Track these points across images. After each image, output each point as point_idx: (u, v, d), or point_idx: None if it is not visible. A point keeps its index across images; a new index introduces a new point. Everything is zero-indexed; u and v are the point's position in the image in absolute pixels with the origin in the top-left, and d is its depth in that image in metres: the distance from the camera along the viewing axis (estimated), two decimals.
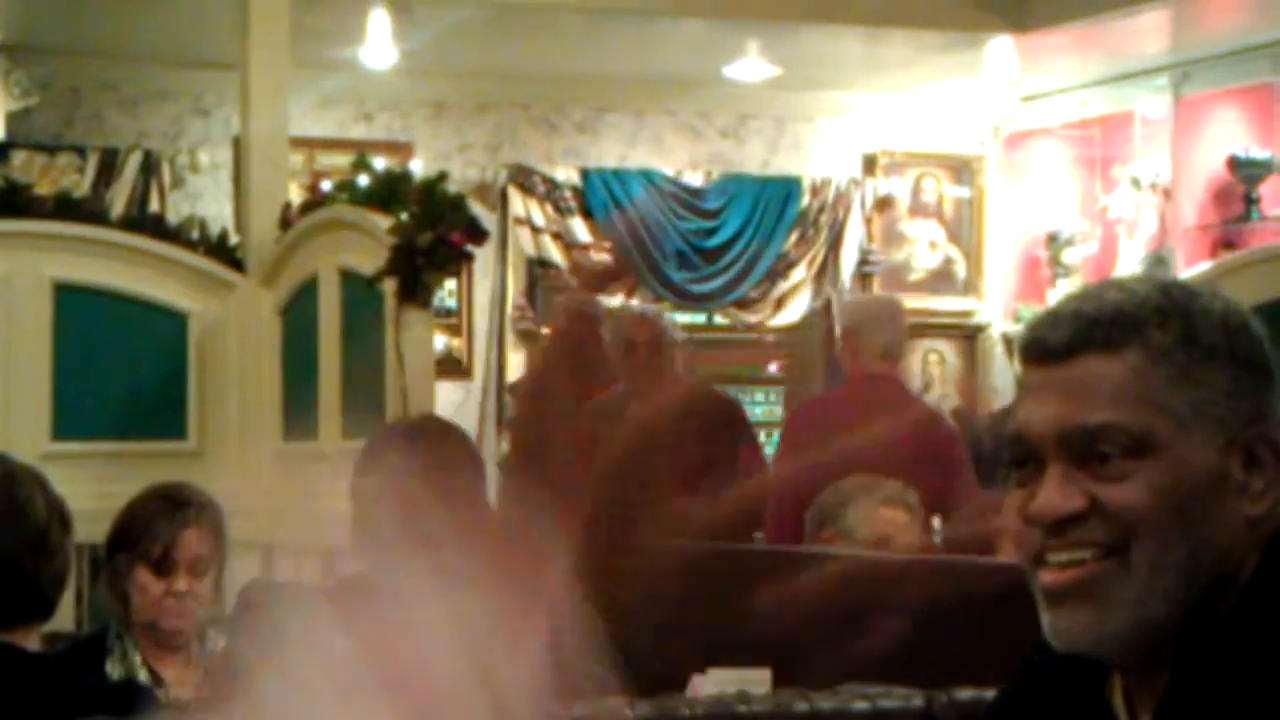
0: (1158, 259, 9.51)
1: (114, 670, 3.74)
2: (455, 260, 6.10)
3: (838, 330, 10.27)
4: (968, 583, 2.70)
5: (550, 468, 1.18)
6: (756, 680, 3.15)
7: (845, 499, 4.03)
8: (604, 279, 5.91)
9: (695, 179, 10.15)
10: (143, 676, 3.72)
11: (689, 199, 10.09)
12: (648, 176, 10.01)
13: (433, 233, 5.88)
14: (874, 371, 5.93)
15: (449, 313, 9.51)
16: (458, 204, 6.05)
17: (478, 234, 6.10)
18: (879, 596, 2.77)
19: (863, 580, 2.89)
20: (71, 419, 6.71)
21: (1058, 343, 1.70)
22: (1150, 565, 1.64)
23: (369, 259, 6.14)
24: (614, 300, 9.29)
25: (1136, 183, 9.72)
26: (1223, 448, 1.66)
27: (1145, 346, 1.67)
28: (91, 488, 6.53)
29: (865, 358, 5.92)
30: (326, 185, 6.90)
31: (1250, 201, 9.15)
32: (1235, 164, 9.20)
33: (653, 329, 6.26)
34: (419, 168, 9.16)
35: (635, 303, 9.23)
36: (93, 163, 8.95)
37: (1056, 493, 1.67)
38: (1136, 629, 1.65)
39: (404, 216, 6.00)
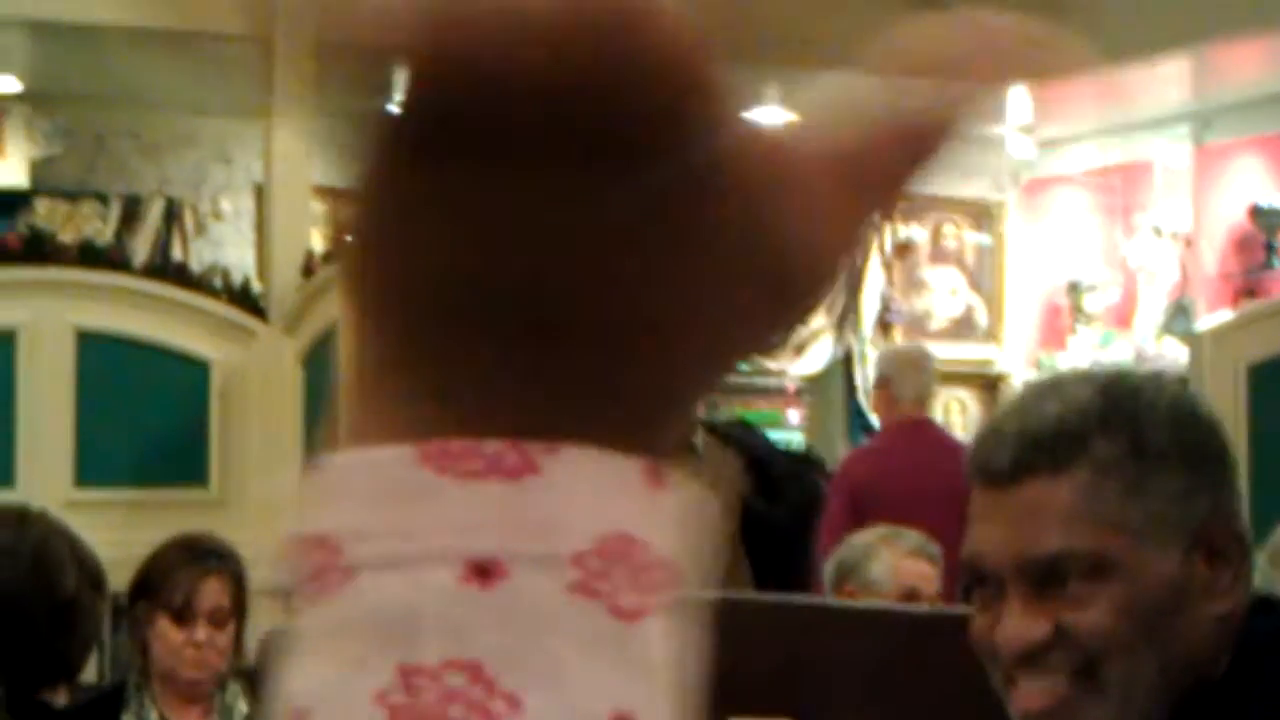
0: (1179, 308, 9.50)
1: None
2: None
3: (860, 380, 10.28)
4: None
5: None
6: None
7: (868, 551, 4.00)
8: None
9: None
10: None
11: None
12: None
13: None
14: (910, 417, 6.39)
15: None
16: None
17: None
18: (904, 651, 2.76)
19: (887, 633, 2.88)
20: (94, 466, 6.72)
21: (1003, 466, 1.65)
22: (1122, 684, 1.60)
23: None
24: None
25: (1158, 231, 9.72)
26: (1184, 552, 1.61)
27: (1092, 461, 1.62)
28: (113, 535, 6.53)
29: (902, 404, 6.40)
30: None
31: (1271, 250, 9.14)
32: (1256, 213, 9.20)
33: None
34: None
35: None
36: (115, 210, 8.98)
37: (1020, 622, 1.63)
38: None
39: None
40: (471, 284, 0.50)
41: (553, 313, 0.50)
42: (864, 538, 4.09)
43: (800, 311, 0.53)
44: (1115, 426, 1.63)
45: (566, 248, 0.50)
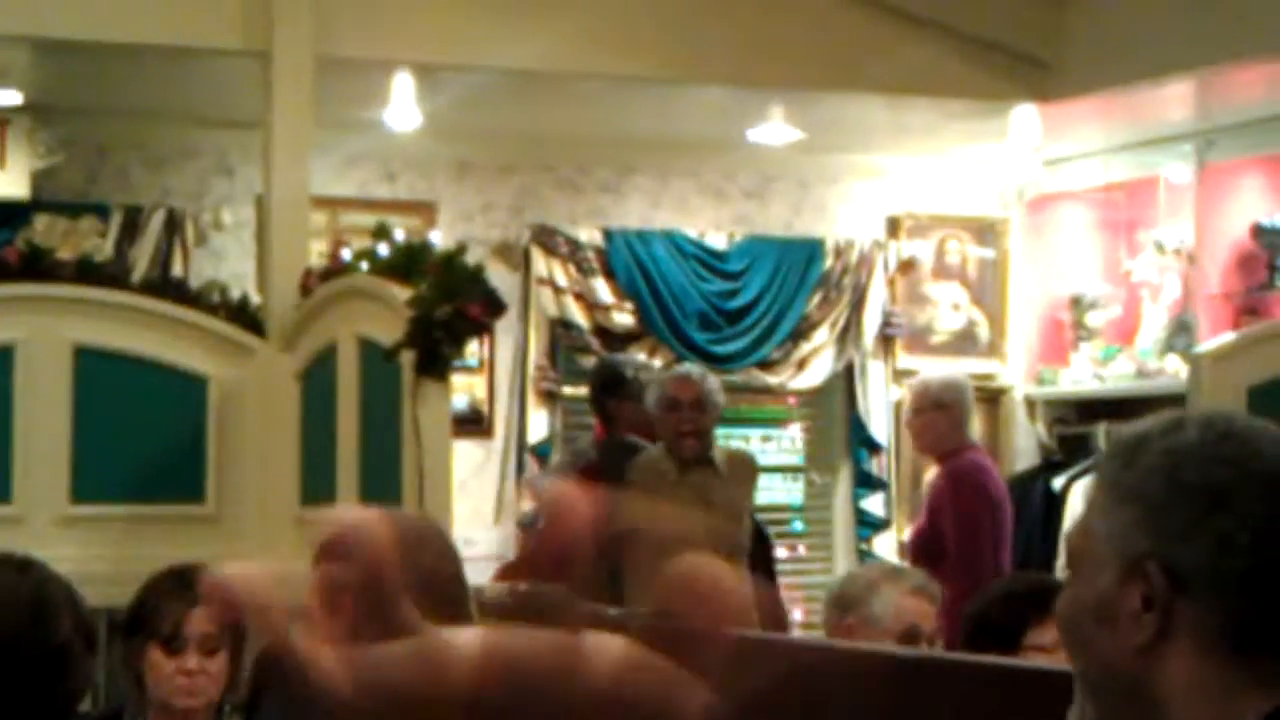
0: (1181, 325, 9.47)
1: None
2: (473, 333, 6.10)
3: (860, 394, 10.25)
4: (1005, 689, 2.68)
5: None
6: None
7: (870, 586, 4.00)
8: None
9: (718, 240, 10.13)
10: None
11: (711, 261, 10.07)
12: (670, 238, 10.00)
13: (451, 305, 5.87)
14: (970, 441, 7.53)
15: (472, 369, 9.41)
16: (476, 276, 6.04)
17: (496, 307, 6.09)
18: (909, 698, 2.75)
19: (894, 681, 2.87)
20: (90, 482, 6.69)
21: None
22: (1075, 669, 1.82)
23: (388, 328, 6.12)
24: (652, 360, 9.27)
25: (1160, 247, 9.70)
26: (1119, 576, 1.77)
27: (1103, 477, 1.85)
28: (109, 551, 6.54)
29: (966, 429, 7.50)
30: (347, 253, 6.89)
31: (1273, 269, 9.12)
32: (1258, 231, 9.17)
33: (697, 390, 6.65)
34: (443, 228, 9.17)
35: (657, 363, 9.17)
36: (116, 221, 8.95)
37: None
38: None
39: (423, 288, 5.99)
40: None
41: None
42: (866, 573, 4.10)
43: None
44: (1121, 454, 1.83)
45: None
